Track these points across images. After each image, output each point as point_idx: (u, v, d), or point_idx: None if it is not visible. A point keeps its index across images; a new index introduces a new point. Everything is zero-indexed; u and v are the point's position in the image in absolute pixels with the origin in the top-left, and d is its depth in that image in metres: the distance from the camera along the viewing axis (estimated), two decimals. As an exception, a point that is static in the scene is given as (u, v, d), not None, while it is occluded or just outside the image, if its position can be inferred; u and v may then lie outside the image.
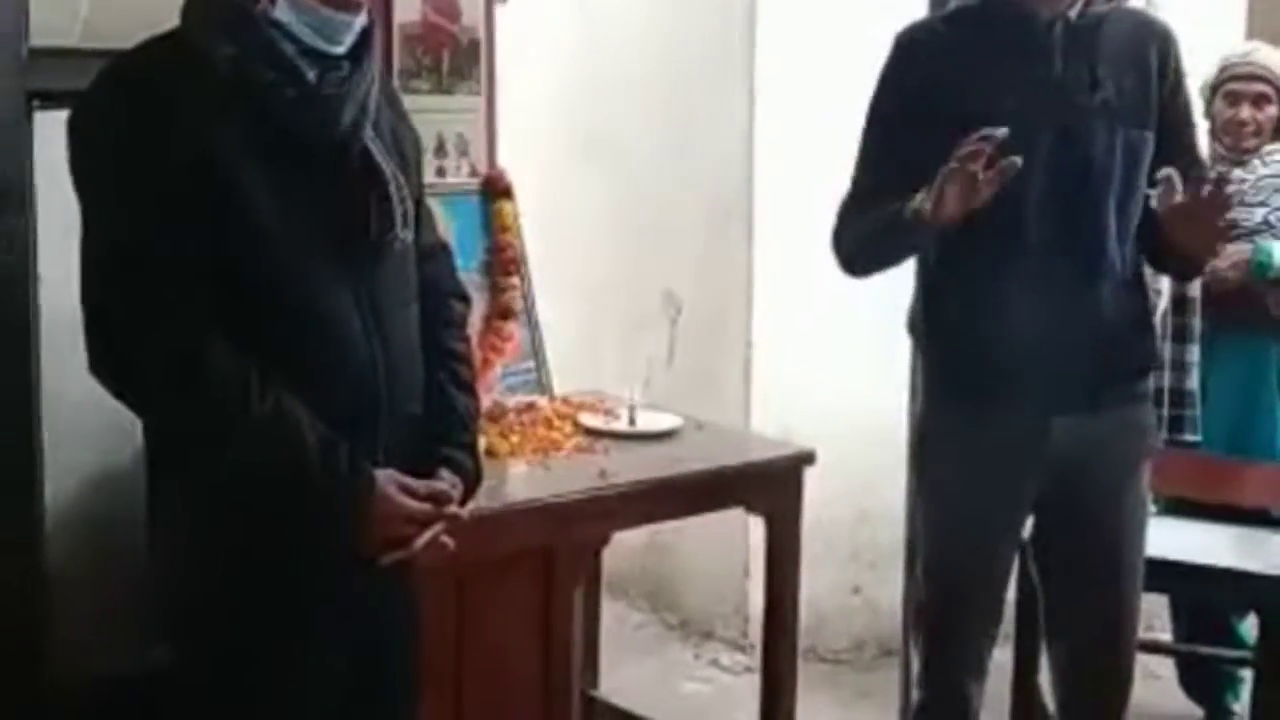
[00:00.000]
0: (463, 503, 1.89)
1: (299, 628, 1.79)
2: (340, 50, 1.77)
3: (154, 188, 1.68)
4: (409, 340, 1.87)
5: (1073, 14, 2.25)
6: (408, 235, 1.85)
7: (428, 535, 1.79)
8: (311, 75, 1.74)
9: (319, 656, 1.81)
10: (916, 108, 2.26)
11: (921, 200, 2.13)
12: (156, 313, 1.67)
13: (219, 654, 1.79)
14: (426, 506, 1.79)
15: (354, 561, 1.76)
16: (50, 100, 2.15)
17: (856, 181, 2.37)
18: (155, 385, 1.71)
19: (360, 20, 1.78)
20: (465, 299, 2.11)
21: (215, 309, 1.69)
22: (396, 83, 2.65)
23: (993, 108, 2.17)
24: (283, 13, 1.73)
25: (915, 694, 2.50)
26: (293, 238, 1.72)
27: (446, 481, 1.86)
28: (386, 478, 1.76)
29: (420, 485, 1.80)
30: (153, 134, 1.68)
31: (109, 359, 1.70)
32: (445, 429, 1.92)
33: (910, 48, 2.34)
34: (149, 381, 1.71)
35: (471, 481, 1.94)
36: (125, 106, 1.71)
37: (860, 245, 2.34)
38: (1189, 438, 3.10)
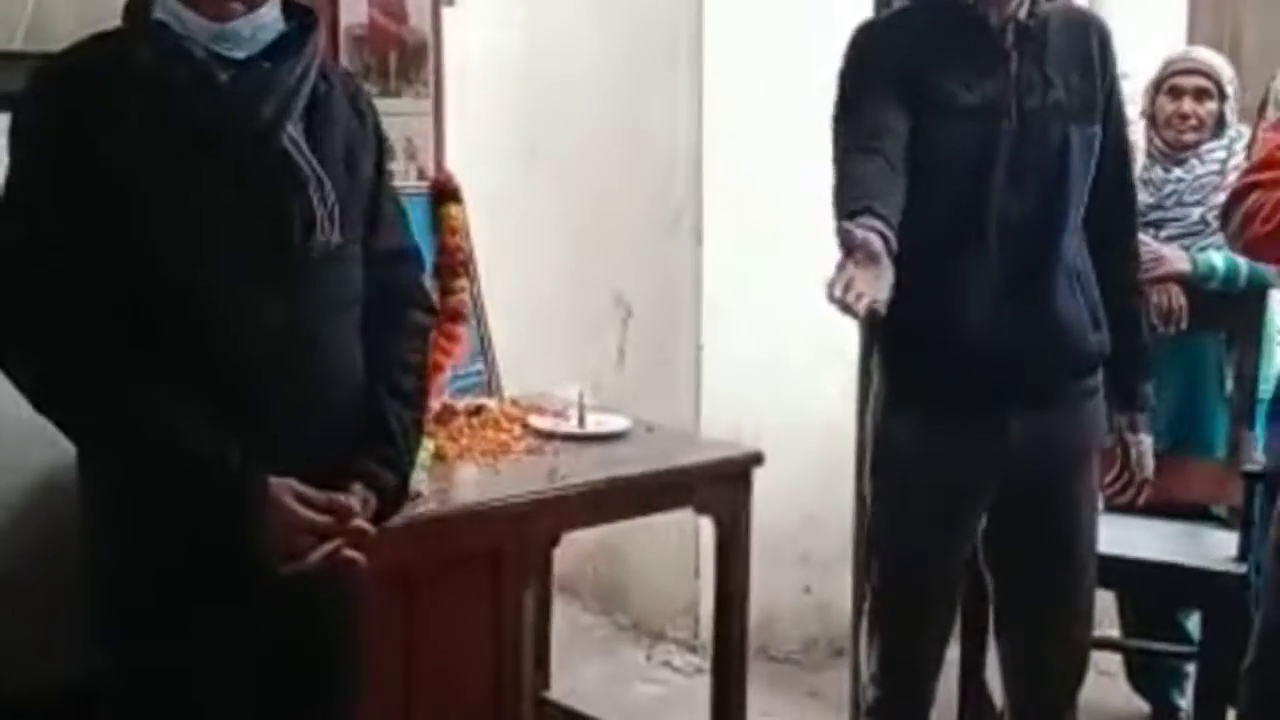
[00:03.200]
0: (379, 519, 1.84)
1: (226, 631, 1.77)
2: (236, 54, 1.75)
3: (60, 194, 1.68)
4: (340, 347, 1.84)
5: (1021, 15, 2.28)
6: (334, 238, 1.81)
7: (326, 548, 1.74)
8: (224, 76, 1.73)
9: (250, 655, 1.79)
10: (888, 88, 2.23)
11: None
12: (46, 316, 1.67)
13: (147, 659, 1.78)
14: (324, 518, 1.75)
15: (263, 567, 1.73)
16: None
17: (849, 147, 2.20)
18: (42, 386, 1.71)
19: (254, 25, 1.76)
20: (428, 308, 2.07)
21: (121, 311, 1.68)
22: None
23: (953, 103, 2.21)
24: (160, 13, 1.73)
25: (871, 692, 2.50)
26: (208, 240, 1.71)
27: (356, 495, 1.81)
28: (281, 486, 1.73)
29: (319, 496, 1.76)
30: (65, 140, 1.68)
31: (7, 358, 1.71)
32: (369, 441, 1.87)
33: (873, 36, 2.34)
34: (37, 381, 1.71)
35: (390, 496, 1.88)
36: (43, 112, 1.72)
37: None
38: None
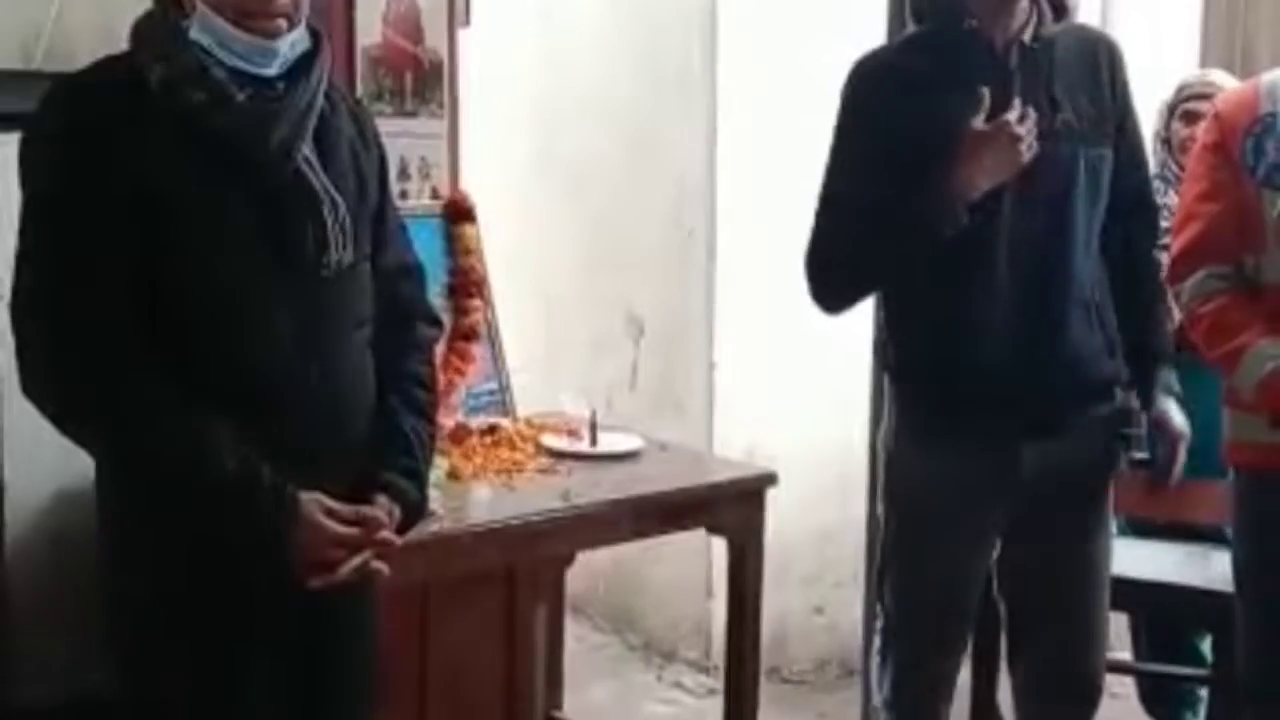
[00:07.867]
0: (402, 530, 1.86)
1: (242, 646, 1.78)
2: (269, 72, 1.76)
3: (84, 212, 1.69)
4: (354, 363, 1.86)
5: (1026, 37, 2.26)
6: (347, 256, 1.82)
7: (355, 561, 1.76)
8: (241, 96, 1.73)
9: (264, 674, 1.80)
10: (883, 135, 2.24)
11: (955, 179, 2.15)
12: (75, 335, 1.68)
13: (163, 675, 1.78)
14: (353, 531, 1.77)
15: (289, 582, 1.74)
16: (4, 123, 2.14)
17: (832, 203, 2.31)
18: (73, 408, 1.71)
19: (290, 41, 1.77)
20: (435, 322, 2.09)
21: (144, 331, 1.69)
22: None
23: (957, 131, 2.19)
24: (197, 33, 1.74)
25: (884, 716, 2.49)
26: (226, 259, 1.72)
27: (381, 507, 1.82)
28: (310, 501, 1.74)
29: (347, 510, 1.78)
30: (86, 157, 1.69)
31: (32, 379, 1.71)
32: (389, 453, 1.88)
33: (870, 75, 2.33)
34: (66, 403, 1.71)
35: (413, 508, 1.90)
36: (63, 130, 1.72)
37: (857, 254, 2.28)
38: (1136, 455, 3.12)
